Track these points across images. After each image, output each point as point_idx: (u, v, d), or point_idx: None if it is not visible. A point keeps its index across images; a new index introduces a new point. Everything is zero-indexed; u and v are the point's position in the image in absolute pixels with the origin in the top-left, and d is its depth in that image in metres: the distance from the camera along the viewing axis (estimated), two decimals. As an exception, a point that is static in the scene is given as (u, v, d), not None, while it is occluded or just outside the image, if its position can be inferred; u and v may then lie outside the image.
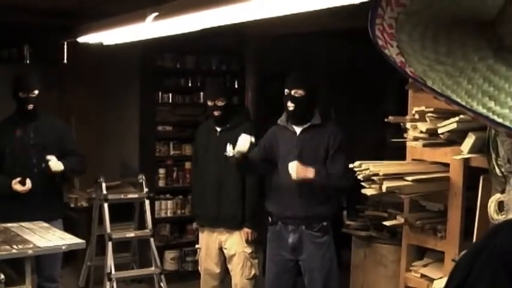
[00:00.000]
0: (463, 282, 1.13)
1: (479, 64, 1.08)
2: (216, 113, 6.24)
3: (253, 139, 5.55)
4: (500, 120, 1.02)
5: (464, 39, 1.12)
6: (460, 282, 1.14)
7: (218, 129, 6.31)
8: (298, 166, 5.37)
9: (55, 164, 5.99)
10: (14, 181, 5.88)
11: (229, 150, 5.84)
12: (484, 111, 1.03)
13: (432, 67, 1.10)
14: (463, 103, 1.04)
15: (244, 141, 5.46)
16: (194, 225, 6.77)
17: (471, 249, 1.17)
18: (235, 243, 6.29)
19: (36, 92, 6.05)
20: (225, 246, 6.36)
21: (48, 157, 5.97)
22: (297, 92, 5.49)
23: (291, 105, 5.53)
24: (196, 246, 6.68)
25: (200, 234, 6.57)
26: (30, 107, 6.06)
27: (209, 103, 6.29)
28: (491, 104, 1.03)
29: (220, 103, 6.20)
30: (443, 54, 1.11)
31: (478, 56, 1.09)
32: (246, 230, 6.21)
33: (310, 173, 5.39)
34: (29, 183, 5.91)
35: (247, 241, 6.22)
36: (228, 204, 6.24)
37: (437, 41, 1.13)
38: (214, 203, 6.27)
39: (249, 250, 6.26)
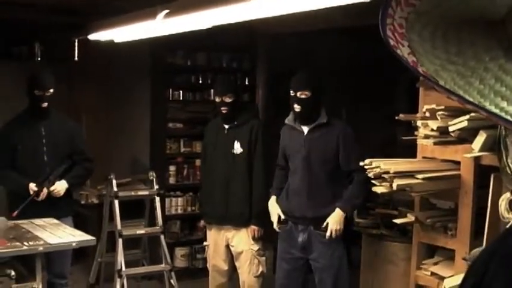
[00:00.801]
0: (479, 282, 1.13)
1: (491, 64, 1.08)
2: (223, 109, 6.23)
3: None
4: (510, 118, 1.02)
5: (474, 39, 1.12)
6: (476, 282, 1.13)
7: (226, 126, 6.31)
8: (335, 222, 5.48)
9: (59, 189, 6.05)
10: (31, 185, 5.89)
11: (237, 148, 6.18)
12: (497, 111, 1.03)
13: (444, 67, 1.09)
14: (476, 102, 1.04)
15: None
16: (202, 222, 6.77)
17: (487, 249, 1.17)
18: (242, 240, 6.29)
19: (52, 90, 6.07)
20: (232, 244, 6.36)
21: (51, 188, 6.01)
22: (302, 94, 5.50)
23: (297, 107, 5.55)
24: (205, 243, 6.72)
25: (208, 232, 6.59)
26: (45, 105, 6.08)
27: (217, 99, 6.30)
28: (504, 104, 1.03)
29: (228, 99, 6.20)
30: (453, 54, 1.10)
31: (489, 56, 1.09)
32: (252, 227, 6.21)
33: (342, 217, 5.51)
34: (43, 195, 5.93)
35: (254, 238, 6.22)
36: (235, 202, 6.23)
37: (447, 40, 1.13)
38: (221, 200, 6.27)
39: (256, 247, 6.27)
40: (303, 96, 5.50)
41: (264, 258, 6.35)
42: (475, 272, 1.17)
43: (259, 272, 6.30)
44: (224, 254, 6.45)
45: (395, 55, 1.11)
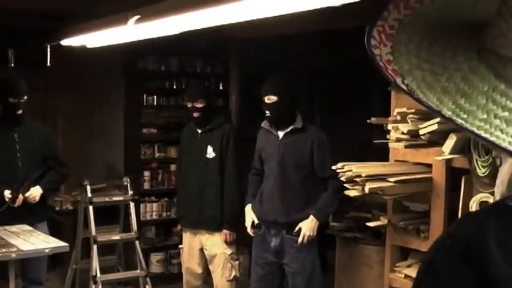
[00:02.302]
0: (431, 262, 1.16)
1: (464, 64, 1.13)
2: (195, 115, 6.29)
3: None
4: (464, 115, 1.07)
5: (458, 42, 1.17)
6: (428, 262, 1.17)
7: (199, 131, 6.36)
8: (307, 228, 5.48)
9: (35, 194, 6.02)
10: (6, 192, 5.86)
11: (210, 152, 6.23)
12: (452, 106, 1.08)
13: (419, 66, 1.14)
14: (434, 99, 1.10)
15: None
16: (179, 226, 6.83)
17: (439, 237, 1.19)
18: (216, 244, 6.32)
19: (26, 97, 6.05)
20: (206, 247, 6.39)
21: (27, 194, 5.98)
22: (269, 99, 5.55)
23: (267, 112, 5.60)
24: (180, 246, 6.78)
25: (183, 235, 6.63)
26: (20, 112, 6.06)
27: (189, 105, 6.33)
28: (462, 100, 1.08)
29: (199, 105, 6.25)
30: (435, 54, 1.15)
31: (464, 57, 1.14)
32: (224, 231, 6.24)
33: (315, 225, 5.52)
34: (19, 201, 5.91)
35: (226, 242, 6.25)
36: (208, 206, 6.27)
37: (435, 41, 1.18)
38: (195, 204, 6.31)
39: (229, 251, 6.30)
40: (269, 102, 5.55)
41: (237, 262, 6.37)
42: (430, 251, 1.21)
43: (232, 276, 6.32)
44: (198, 258, 6.47)
45: (369, 53, 1.17)
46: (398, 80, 1.14)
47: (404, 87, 1.14)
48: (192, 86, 6.86)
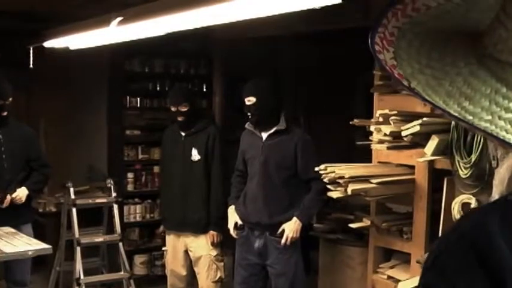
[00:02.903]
0: (439, 253, 1.19)
1: (464, 69, 1.17)
2: (179, 119, 6.25)
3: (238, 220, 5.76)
4: (470, 117, 1.11)
5: (456, 48, 1.21)
6: (437, 254, 1.19)
7: (183, 133, 6.32)
8: (291, 230, 5.45)
9: (21, 195, 6.03)
10: None
11: (194, 155, 6.19)
12: (458, 109, 1.12)
13: (421, 70, 1.18)
14: (440, 102, 1.13)
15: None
16: (161, 228, 6.75)
17: (445, 233, 1.22)
18: (201, 246, 6.28)
19: (11, 99, 6.06)
20: (191, 249, 6.36)
21: (14, 195, 5.98)
22: (249, 100, 5.56)
23: (248, 113, 5.61)
24: (163, 248, 6.73)
25: (167, 237, 6.57)
26: (5, 113, 6.05)
27: (172, 109, 6.29)
28: (466, 103, 1.12)
29: (183, 109, 6.20)
30: (435, 60, 1.20)
31: (464, 62, 1.18)
32: (211, 232, 6.21)
33: (299, 226, 5.48)
34: (7, 202, 5.91)
35: (212, 244, 6.23)
36: (193, 208, 6.23)
37: (434, 48, 1.22)
38: (180, 206, 6.27)
39: (214, 253, 6.28)
40: (249, 103, 5.55)
41: (222, 263, 6.36)
42: (439, 243, 1.24)
43: (217, 277, 6.31)
44: (183, 260, 6.44)
45: (376, 59, 1.21)
46: (405, 84, 1.18)
47: (411, 91, 1.17)
48: (175, 90, 6.78)
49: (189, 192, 6.27)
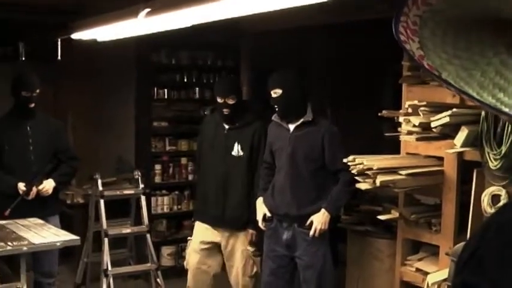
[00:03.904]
0: (475, 250, 1.18)
1: (494, 59, 1.15)
2: (225, 111, 5.99)
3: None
4: (506, 109, 1.10)
5: (482, 36, 1.19)
6: (472, 251, 1.18)
7: (226, 126, 6.08)
8: (319, 222, 5.44)
9: (48, 187, 6.06)
10: (20, 184, 5.91)
11: (237, 150, 6.00)
12: (493, 101, 1.10)
13: (449, 61, 1.17)
14: (474, 94, 1.12)
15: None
16: (192, 219, 6.62)
17: (482, 223, 1.21)
18: (238, 242, 6.11)
19: (38, 91, 6.09)
20: (227, 245, 6.17)
21: (40, 187, 6.02)
22: (275, 92, 5.52)
23: (274, 105, 5.58)
24: (189, 238, 6.48)
25: (198, 229, 6.32)
26: (32, 105, 6.09)
27: (219, 100, 6.00)
28: (501, 95, 1.11)
29: (230, 101, 5.94)
30: (461, 49, 1.18)
31: (493, 52, 1.16)
32: (251, 231, 6.05)
33: (327, 218, 5.46)
34: (33, 194, 5.95)
35: (250, 242, 6.09)
36: (233, 205, 6.03)
37: (458, 36, 1.21)
38: (218, 203, 6.06)
39: (252, 248, 6.11)
40: (275, 95, 5.52)
41: (258, 258, 6.16)
42: (474, 240, 1.22)
43: (253, 273, 6.17)
44: (214, 253, 6.25)
45: (403, 49, 1.20)
46: (436, 74, 1.16)
47: (444, 82, 1.16)
48: (223, 80, 6.53)
49: (229, 189, 6.06)
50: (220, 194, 6.06)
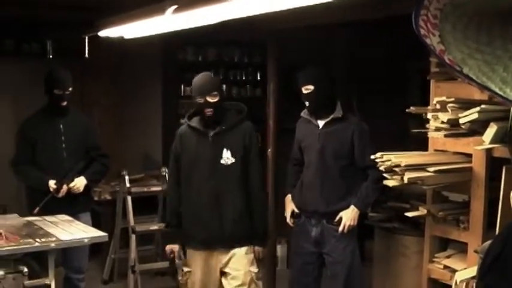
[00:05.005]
0: (498, 255, 1.17)
1: None
2: (208, 112, 5.16)
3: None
4: None
5: (504, 31, 1.17)
6: (496, 255, 1.17)
7: (210, 132, 5.22)
8: (348, 218, 5.46)
9: (79, 185, 6.09)
10: (51, 182, 5.94)
11: (227, 158, 5.23)
12: None
13: (471, 55, 1.15)
14: (496, 89, 1.10)
15: None
16: (175, 247, 5.50)
17: (506, 226, 1.20)
18: (240, 262, 5.30)
19: (71, 89, 6.12)
20: (228, 266, 5.32)
21: (71, 184, 6.04)
22: (307, 89, 5.52)
23: (306, 102, 5.58)
24: (185, 269, 5.45)
25: (191, 258, 5.40)
26: (64, 103, 6.12)
27: (199, 100, 5.22)
28: None
29: (213, 99, 5.17)
30: (483, 44, 1.16)
31: None
32: (256, 248, 5.34)
33: (356, 214, 5.49)
34: (63, 191, 5.98)
35: (257, 260, 5.38)
36: (231, 221, 5.22)
37: (479, 31, 1.19)
38: (211, 222, 5.22)
39: (255, 270, 5.37)
40: (307, 91, 5.52)
41: (260, 282, 5.79)
42: (496, 247, 1.22)
43: None
44: (217, 281, 5.39)
45: (423, 43, 1.19)
46: (458, 69, 1.15)
47: (466, 77, 1.15)
48: (200, 78, 5.37)
49: (223, 203, 5.21)
50: (214, 212, 5.23)
